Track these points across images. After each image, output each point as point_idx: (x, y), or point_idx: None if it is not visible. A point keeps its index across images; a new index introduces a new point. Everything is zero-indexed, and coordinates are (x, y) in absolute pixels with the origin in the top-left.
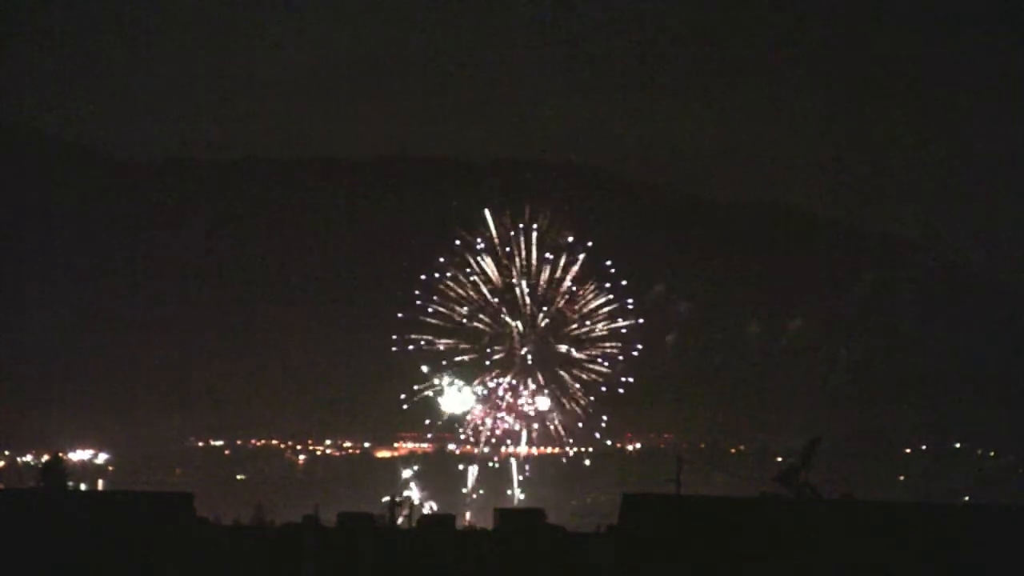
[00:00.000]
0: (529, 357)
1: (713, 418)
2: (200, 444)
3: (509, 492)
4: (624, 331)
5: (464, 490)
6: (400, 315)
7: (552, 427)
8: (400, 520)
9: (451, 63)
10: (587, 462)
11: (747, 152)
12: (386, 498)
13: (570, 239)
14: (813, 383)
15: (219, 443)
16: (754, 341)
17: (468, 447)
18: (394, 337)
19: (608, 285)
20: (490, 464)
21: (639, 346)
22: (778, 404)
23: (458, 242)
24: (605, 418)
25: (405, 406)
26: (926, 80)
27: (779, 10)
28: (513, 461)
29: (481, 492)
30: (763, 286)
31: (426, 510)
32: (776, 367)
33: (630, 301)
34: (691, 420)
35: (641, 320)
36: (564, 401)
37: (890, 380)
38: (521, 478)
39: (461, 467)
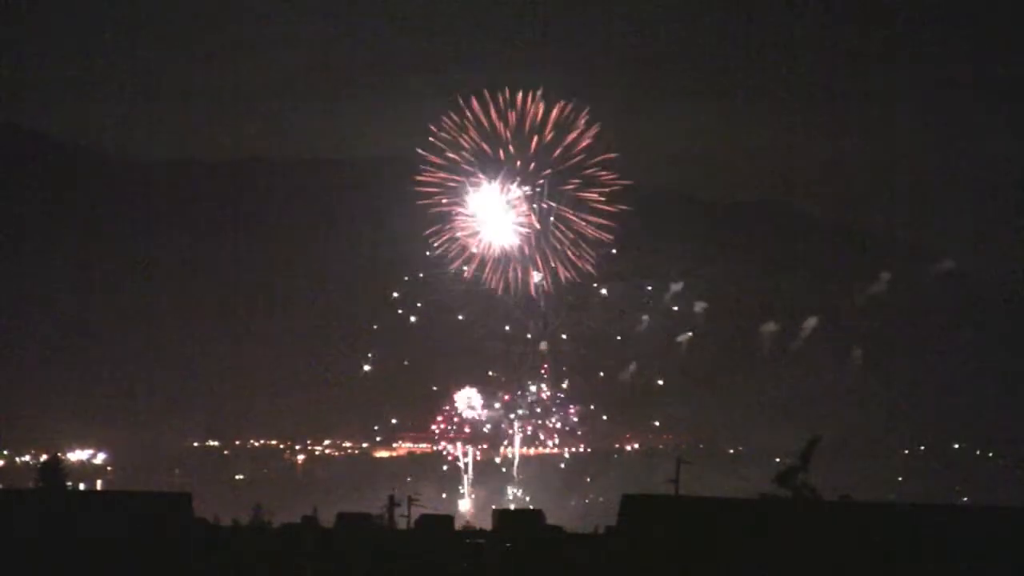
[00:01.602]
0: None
1: (712, 418)
2: (198, 444)
3: (508, 493)
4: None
5: (462, 490)
6: (375, 327)
7: (552, 428)
8: (399, 520)
9: (451, 64)
10: (586, 463)
11: (745, 154)
12: (383, 504)
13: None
14: (814, 383)
15: (217, 443)
16: (767, 341)
17: (467, 447)
18: (370, 355)
19: (650, 287)
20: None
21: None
22: (777, 404)
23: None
24: (605, 418)
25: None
26: (927, 82)
27: (781, 9)
28: (515, 459)
29: (480, 493)
30: (763, 288)
31: (425, 510)
32: (778, 367)
33: (671, 306)
34: (690, 421)
35: (689, 334)
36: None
37: (889, 380)
38: (520, 478)
39: (460, 467)
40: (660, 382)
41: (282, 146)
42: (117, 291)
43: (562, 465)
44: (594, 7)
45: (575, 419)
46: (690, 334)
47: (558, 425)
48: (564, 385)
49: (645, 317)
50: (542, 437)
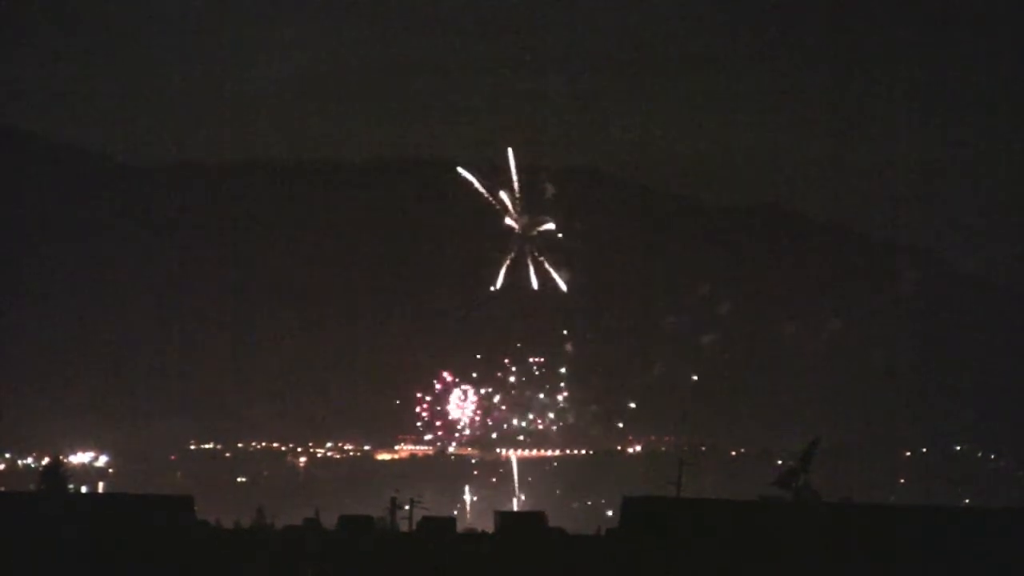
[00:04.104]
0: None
1: (716, 419)
2: (200, 447)
3: (510, 495)
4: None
5: (464, 492)
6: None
7: (554, 429)
8: (401, 522)
9: (450, 64)
10: (588, 465)
11: (747, 156)
12: (385, 506)
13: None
14: (813, 384)
15: (219, 446)
16: (790, 342)
17: (468, 450)
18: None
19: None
20: (491, 466)
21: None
22: (778, 406)
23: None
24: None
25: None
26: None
27: (782, 10)
28: (514, 463)
29: (482, 495)
30: (765, 291)
31: (427, 512)
32: (782, 370)
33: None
34: (692, 421)
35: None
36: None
37: (896, 382)
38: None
39: (461, 469)
40: (676, 383)
41: (282, 148)
42: (118, 293)
43: (565, 466)
44: (593, 6)
45: (589, 416)
46: (714, 335)
47: (572, 424)
48: (577, 387)
49: (672, 319)
50: (548, 436)
